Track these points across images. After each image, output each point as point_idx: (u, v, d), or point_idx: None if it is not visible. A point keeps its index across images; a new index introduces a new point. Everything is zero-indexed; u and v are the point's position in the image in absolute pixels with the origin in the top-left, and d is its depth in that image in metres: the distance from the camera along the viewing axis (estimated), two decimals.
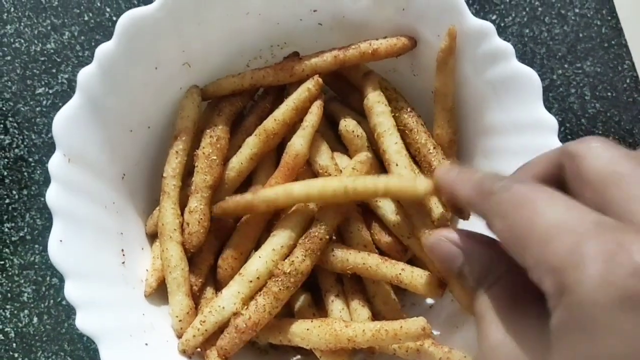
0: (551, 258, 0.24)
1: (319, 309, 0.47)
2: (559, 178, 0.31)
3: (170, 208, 0.45)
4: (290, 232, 0.44)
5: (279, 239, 0.44)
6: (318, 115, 0.47)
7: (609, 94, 0.64)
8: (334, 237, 0.46)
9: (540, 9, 0.65)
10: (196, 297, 0.46)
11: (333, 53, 0.49)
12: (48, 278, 0.55)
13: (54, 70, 0.60)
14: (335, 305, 0.45)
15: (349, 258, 0.44)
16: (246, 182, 0.49)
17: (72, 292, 0.39)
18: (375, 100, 0.48)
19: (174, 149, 0.47)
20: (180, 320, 0.44)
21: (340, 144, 0.50)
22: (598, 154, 0.28)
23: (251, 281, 0.42)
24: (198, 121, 0.49)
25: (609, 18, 0.66)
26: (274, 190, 0.44)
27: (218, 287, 0.47)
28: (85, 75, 0.43)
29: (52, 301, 0.55)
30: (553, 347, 0.24)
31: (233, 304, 0.42)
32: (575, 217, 0.24)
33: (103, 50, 0.43)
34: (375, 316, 0.46)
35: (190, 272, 0.46)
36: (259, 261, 0.43)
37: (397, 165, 0.46)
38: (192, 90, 0.49)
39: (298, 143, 0.46)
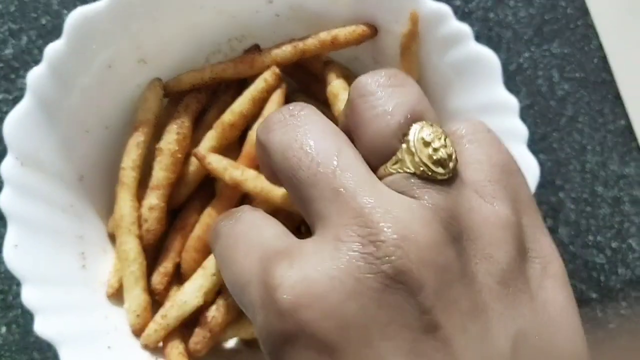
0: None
1: None
2: None
3: (128, 200, 0.44)
4: None
5: None
6: (279, 103, 0.46)
7: (577, 74, 0.64)
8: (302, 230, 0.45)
9: None
10: (162, 296, 0.45)
11: (292, 44, 0.48)
12: (14, 287, 0.54)
13: (12, 76, 0.59)
14: None
15: None
16: (208, 178, 0.48)
17: (29, 296, 0.38)
18: (340, 87, 0.47)
19: (134, 140, 0.46)
20: (137, 316, 0.43)
21: None
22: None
23: (214, 274, 0.42)
24: (159, 114, 0.48)
25: None
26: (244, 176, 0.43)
27: (182, 282, 0.46)
28: (34, 75, 0.42)
29: (19, 310, 0.54)
30: None
31: (195, 297, 0.41)
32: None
33: (52, 49, 0.42)
34: None
35: (155, 271, 0.45)
36: None
37: None
38: (155, 83, 0.48)
39: None
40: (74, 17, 0.42)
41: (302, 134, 0.23)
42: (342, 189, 0.22)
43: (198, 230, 0.45)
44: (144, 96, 0.48)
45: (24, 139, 0.41)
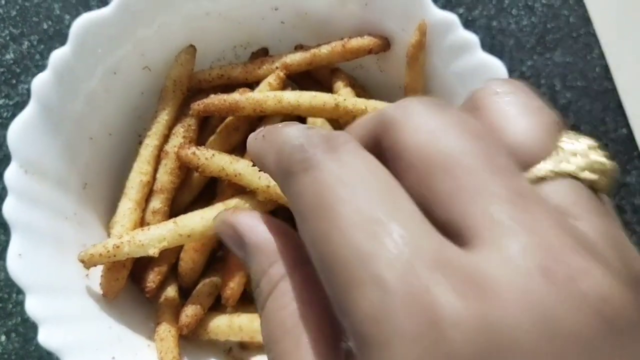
0: (360, 306, 0.15)
1: None
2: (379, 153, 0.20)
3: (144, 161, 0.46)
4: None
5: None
6: (272, 86, 0.46)
7: (579, 83, 0.64)
8: None
9: (507, 1, 0.65)
10: (152, 295, 0.45)
11: (303, 50, 0.48)
12: (14, 295, 0.53)
13: (13, 81, 0.58)
14: None
15: None
16: (212, 184, 0.48)
17: (33, 307, 0.37)
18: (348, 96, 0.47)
19: (160, 106, 0.47)
20: (122, 226, 0.43)
21: None
22: (419, 123, 0.18)
23: (181, 235, 0.40)
24: (188, 84, 0.48)
25: (577, 7, 0.65)
26: (264, 94, 0.44)
27: (180, 281, 0.46)
28: (39, 82, 0.41)
29: (19, 318, 0.53)
30: None
31: (153, 247, 0.40)
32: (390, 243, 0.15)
33: (58, 55, 0.42)
34: None
35: (150, 270, 0.45)
36: (197, 221, 0.41)
37: None
38: (190, 48, 0.48)
39: None
40: (79, 23, 0.42)
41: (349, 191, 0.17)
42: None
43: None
44: (178, 57, 0.47)
45: (28, 146, 0.41)
